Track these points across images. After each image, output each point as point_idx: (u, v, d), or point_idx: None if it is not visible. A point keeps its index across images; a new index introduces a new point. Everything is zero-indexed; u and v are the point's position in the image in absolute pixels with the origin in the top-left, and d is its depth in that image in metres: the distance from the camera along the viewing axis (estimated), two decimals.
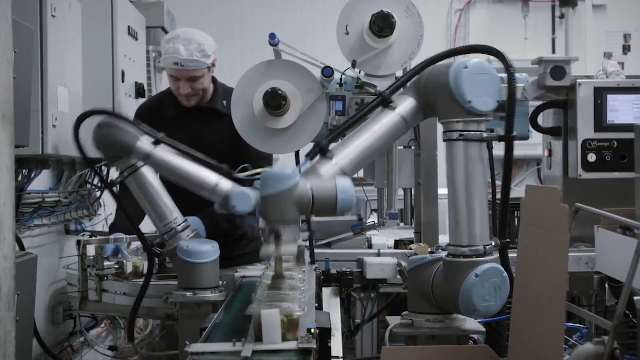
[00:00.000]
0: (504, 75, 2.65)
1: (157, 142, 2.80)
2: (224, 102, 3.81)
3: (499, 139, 2.59)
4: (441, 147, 2.84)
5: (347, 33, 3.20)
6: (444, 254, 2.62)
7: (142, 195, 2.95)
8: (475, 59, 2.58)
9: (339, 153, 2.58)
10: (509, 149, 2.61)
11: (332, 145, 2.67)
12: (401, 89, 2.76)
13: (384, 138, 2.64)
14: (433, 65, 2.67)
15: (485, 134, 2.56)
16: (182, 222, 3.00)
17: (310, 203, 2.35)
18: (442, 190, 3.01)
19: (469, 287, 2.44)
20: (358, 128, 2.67)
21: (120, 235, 3.45)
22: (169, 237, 2.97)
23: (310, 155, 2.56)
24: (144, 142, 2.80)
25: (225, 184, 2.75)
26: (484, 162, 2.57)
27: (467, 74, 2.53)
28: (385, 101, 2.65)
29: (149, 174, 2.95)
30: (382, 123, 2.63)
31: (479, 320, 2.69)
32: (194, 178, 2.79)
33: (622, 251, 2.52)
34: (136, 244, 3.86)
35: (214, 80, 3.88)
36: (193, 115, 3.80)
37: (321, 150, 2.56)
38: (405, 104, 2.66)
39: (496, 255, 2.56)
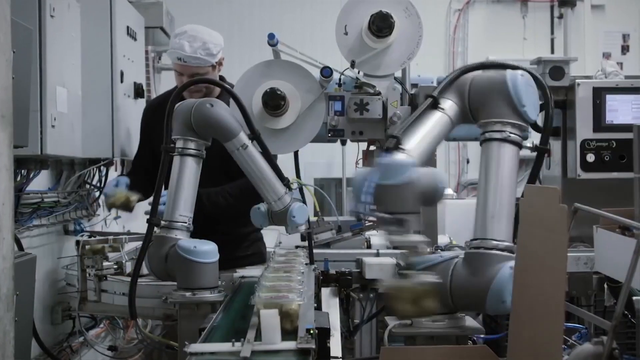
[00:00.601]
0: None
1: (252, 139, 2.98)
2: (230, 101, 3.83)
3: (534, 148, 2.79)
4: (440, 148, 2.86)
5: (346, 33, 3.21)
6: (451, 253, 2.63)
7: (174, 176, 3.04)
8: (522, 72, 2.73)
9: (408, 145, 2.61)
10: (540, 159, 2.83)
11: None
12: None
13: (439, 135, 2.74)
14: (478, 73, 2.77)
15: (523, 136, 2.69)
16: (184, 222, 3.02)
17: (426, 192, 2.43)
18: None
19: (504, 279, 2.45)
20: (414, 127, 2.71)
21: (120, 235, 3.46)
22: (166, 224, 3.00)
23: (388, 148, 2.57)
24: (244, 135, 2.97)
25: (287, 197, 3.00)
26: (517, 163, 2.70)
27: (524, 82, 2.67)
28: (435, 102, 2.73)
29: (193, 167, 3.04)
30: (435, 121, 2.72)
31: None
32: (267, 183, 2.99)
33: (621, 251, 2.52)
34: (135, 244, 3.86)
35: (222, 80, 3.89)
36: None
37: (397, 142, 2.59)
38: (448, 106, 2.75)
39: None
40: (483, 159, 2.67)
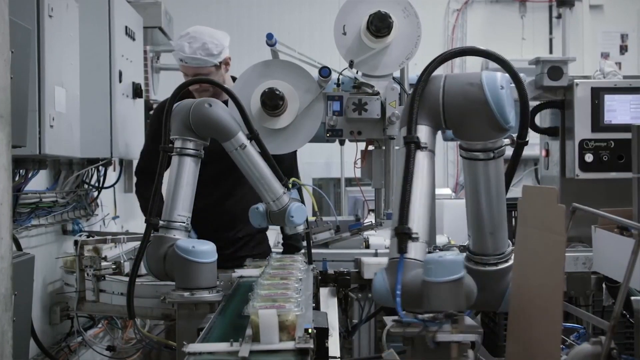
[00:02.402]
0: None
1: (251, 139, 2.99)
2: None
3: (513, 143, 2.53)
4: (438, 148, 2.81)
5: (344, 33, 3.20)
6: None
7: (172, 177, 3.03)
8: (499, 73, 2.40)
9: (413, 226, 2.36)
10: (518, 152, 2.50)
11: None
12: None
13: (432, 183, 2.47)
14: (446, 81, 2.43)
15: (504, 144, 2.49)
16: (183, 222, 3.02)
17: (472, 294, 2.25)
18: (439, 191, 3.02)
19: None
20: (410, 184, 2.43)
21: (118, 235, 3.46)
22: (164, 224, 2.99)
23: (404, 248, 2.30)
24: (242, 135, 2.98)
25: (286, 197, 3.01)
26: (502, 171, 2.55)
27: (506, 95, 2.36)
28: (419, 145, 2.41)
29: (191, 167, 3.04)
30: (424, 169, 2.44)
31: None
32: (266, 183, 3.01)
33: (619, 251, 2.52)
34: (133, 244, 3.86)
35: (235, 80, 3.89)
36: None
37: (409, 237, 2.41)
38: (426, 136, 2.45)
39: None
40: (469, 177, 2.51)
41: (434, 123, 2.45)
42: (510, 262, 2.49)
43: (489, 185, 2.48)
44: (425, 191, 2.42)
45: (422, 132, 2.44)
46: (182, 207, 3.00)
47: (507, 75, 2.41)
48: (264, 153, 3.02)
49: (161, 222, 2.96)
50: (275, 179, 3.02)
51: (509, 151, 2.52)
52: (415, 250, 2.31)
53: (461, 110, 2.40)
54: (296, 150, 3.57)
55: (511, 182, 2.59)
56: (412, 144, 2.40)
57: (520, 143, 2.51)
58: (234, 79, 3.86)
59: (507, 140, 2.53)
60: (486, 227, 2.50)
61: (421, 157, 2.43)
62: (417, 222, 2.37)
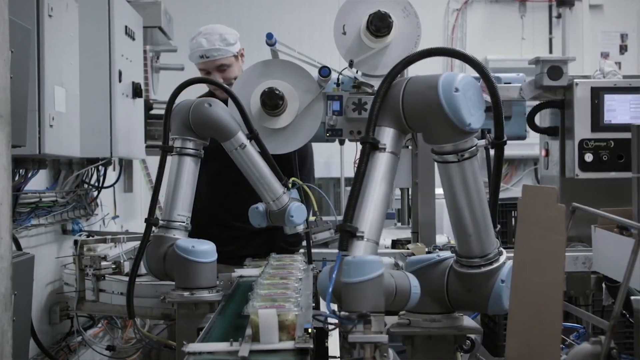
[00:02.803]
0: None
1: (251, 138, 3.00)
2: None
3: (491, 146, 2.49)
4: None
5: (344, 33, 3.20)
6: (447, 253, 2.62)
7: (172, 177, 3.04)
8: (459, 74, 2.39)
9: (362, 225, 2.46)
10: (499, 154, 2.51)
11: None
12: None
13: (389, 183, 2.47)
14: (407, 84, 2.44)
15: (476, 144, 2.47)
16: (182, 222, 3.01)
17: (394, 294, 2.24)
18: (439, 190, 3.00)
19: (498, 293, 2.44)
20: (363, 187, 2.51)
21: (118, 235, 3.46)
22: (164, 224, 2.99)
23: (344, 246, 2.34)
24: (242, 135, 3.00)
25: (286, 197, 3.04)
26: (478, 171, 2.53)
27: (461, 97, 2.33)
28: (374, 146, 2.43)
29: (190, 167, 3.04)
30: (380, 170, 2.44)
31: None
32: (266, 183, 3.03)
33: (619, 251, 2.52)
34: (133, 244, 3.86)
35: None
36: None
37: (351, 234, 2.42)
38: (388, 138, 2.46)
39: (505, 253, 2.55)
40: (445, 180, 2.49)
41: (399, 126, 2.45)
42: (496, 264, 2.48)
43: (466, 187, 2.46)
44: (380, 192, 2.42)
45: (386, 134, 2.45)
46: (181, 206, 3.00)
47: (469, 76, 2.39)
48: (263, 153, 3.02)
49: (161, 222, 2.97)
50: (275, 179, 3.03)
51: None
52: (360, 249, 2.34)
53: (420, 113, 2.40)
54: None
55: (500, 183, 2.57)
56: (366, 144, 2.42)
57: (497, 143, 2.49)
58: None
59: (481, 142, 2.50)
60: (467, 229, 2.49)
61: (379, 159, 2.44)
62: (366, 222, 2.38)
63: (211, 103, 2.98)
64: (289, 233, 3.21)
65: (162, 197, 3.06)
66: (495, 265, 2.48)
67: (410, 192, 4.05)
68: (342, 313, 2.11)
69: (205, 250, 2.85)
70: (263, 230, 3.35)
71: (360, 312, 2.07)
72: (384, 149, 2.44)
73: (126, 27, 4.41)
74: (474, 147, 2.45)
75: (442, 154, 2.45)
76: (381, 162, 2.45)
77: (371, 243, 2.37)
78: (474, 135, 2.43)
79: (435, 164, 2.51)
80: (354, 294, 2.13)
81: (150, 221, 2.94)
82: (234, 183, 3.68)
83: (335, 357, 2.22)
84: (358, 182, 2.41)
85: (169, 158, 3.04)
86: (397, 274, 2.30)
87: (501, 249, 2.54)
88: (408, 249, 3.65)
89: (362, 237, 2.36)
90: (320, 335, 2.09)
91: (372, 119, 2.44)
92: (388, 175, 2.46)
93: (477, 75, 2.44)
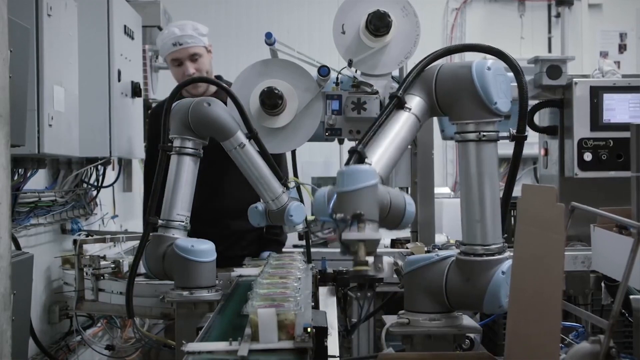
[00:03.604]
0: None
1: (250, 138, 3.00)
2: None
3: (512, 138, 2.58)
4: (437, 147, 2.83)
5: (343, 32, 3.20)
6: (446, 252, 2.62)
7: (171, 176, 3.03)
8: (491, 60, 2.57)
9: (372, 158, 2.53)
10: (519, 148, 2.61)
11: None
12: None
13: (406, 140, 2.59)
14: (442, 65, 2.62)
15: (498, 132, 2.56)
16: (181, 222, 3.01)
17: (388, 208, 2.32)
18: (438, 190, 3.02)
19: (497, 285, 2.44)
20: (380, 131, 2.61)
21: (117, 234, 3.46)
22: (164, 223, 2.99)
23: (350, 164, 2.49)
24: (241, 134, 3.00)
25: (284, 196, 3.03)
26: (496, 160, 2.59)
27: (491, 76, 2.50)
28: (400, 102, 2.60)
29: (190, 166, 3.04)
30: (401, 124, 2.58)
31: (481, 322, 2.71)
32: (265, 182, 3.02)
33: (618, 250, 2.52)
34: (132, 243, 3.85)
35: (219, 78, 3.92)
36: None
37: (360, 157, 2.49)
38: (414, 103, 2.61)
39: (509, 251, 2.56)
40: (462, 161, 2.58)
41: (428, 100, 2.60)
42: (498, 256, 2.49)
43: (480, 169, 2.52)
44: (396, 139, 2.54)
45: (414, 101, 2.60)
46: (181, 206, 3.00)
47: (502, 64, 2.55)
48: (262, 152, 3.02)
49: (160, 222, 2.96)
50: (274, 178, 3.03)
51: (510, 149, 2.57)
52: None
53: (451, 87, 2.55)
54: None
55: (515, 179, 2.61)
56: (395, 97, 2.57)
57: (518, 137, 2.55)
58: (219, 77, 3.89)
59: (504, 133, 2.56)
60: (475, 214, 2.52)
61: (402, 116, 2.58)
62: (376, 154, 2.49)
63: (210, 102, 2.98)
64: (288, 232, 3.21)
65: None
66: (497, 256, 2.49)
67: (409, 192, 4.04)
68: (337, 215, 2.15)
69: (205, 249, 2.85)
70: (250, 230, 3.36)
71: (355, 212, 2.10)
72: (409, 109, 2.58)
73: (125, 26, 4.41)
74: (495, 133, 2.54)
75: (463, 132, 2.55)
76: (404, 118, 2.57)
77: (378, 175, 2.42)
78: (498, 119, 2.53)
79: (456, 146, 2.62)
80: (348, 201, 2.18)
81: (150, 221, 2.94)
82: (219, 182, 3.69)
83: (334, 356, 2.22)
84: (376, 124, 2.54)
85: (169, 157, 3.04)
86: (393, 190, 2.34)
87: (506, 244, 2.55)
88: (407, 248, 3.66)
89: (369, 165, 2.41)
90: (320, 335, 2.08)
91: (406, 81, 2.59)
92: (406, 132, 2.57)
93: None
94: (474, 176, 2.53)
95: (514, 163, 2.60)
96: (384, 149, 2.53)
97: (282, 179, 3.06)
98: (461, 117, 2.56)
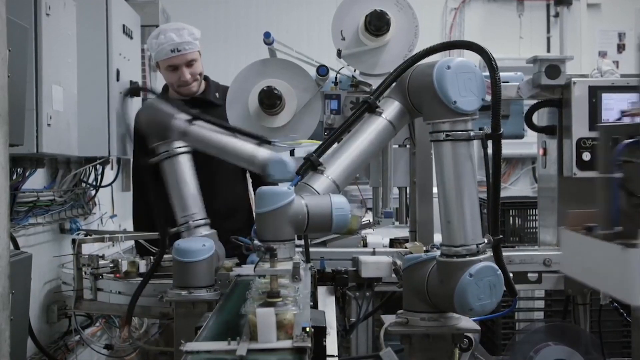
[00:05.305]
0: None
1: (192, 120, 2.90)
2: (217, 94, 3.87)
3: (487, 137, 2.54)
4: None
5: (343, 39, 3.20)
6: (438, 252, 2.62)
7: (171, 181, 3.01)
8: (458, 58, 2.54)
9: (330, 166, 2.55)
10: (497, 146, 2.56)
11: (322, 157, 2.64)
12: (385, 93, 2.72)
13: (373, 145, 2.62)
14: (416, 66, 2.63)
15: (472, 133, 2.52)
16: (201, 219, 3.02)
17: (306, 220, 2.37)
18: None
19: (463, 287, 2.43)
20: (347, 137, 2.64)
21: (116, 234, 3.46)
22: (184, 229, 3.00)
23: (301, 172, 2.53)
24: (180, 121, 2.90)
25: (263, 152, 2.83)
26: (473, 161, 2.55)
27: (451, 75, 2.47)
28: (371, 107, 2.60)
29: (185, 165, 3.02)
30: (370, 130, 2.61)
31: (474, 319, 2.69)
32: (231, 150, 2.87)
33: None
34: (131, 243, 3.85)
35: (206, 79, 3.94)
36: (188, 107, 3.83)
37: (312, 165, 2.53)
38: (391, 108, 2.63)
39: (490, 253, 2.56)
40: (436, 162, 2.58)
41: (405, 102, 2.63)
42: (470, 258, 2.47)
43: (456, 170, 2.52)
44: (359, 147, 2.60)
45: (390, 104, 2.64)
46: (194, 203, 3.01)
47: (469, 62, 2.52)
48: (219, 125, 2.94)
49: (182, 227, 2.98)
50: (243, 141, 2.90)
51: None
52: (316, 182, 2.53)
53: (418, 87, 2.57)
54: None
55: (499, 181, 2.58)
56: (365, 103, 2.61)
57: (493, 135, 2.51)
58: (206, 78, 3.91)
59: (478, 132, 2.54)
60: (450, 215, 2.53)
61: (374, 121, 2.62)
62: (333, 162, 2.56)
63: (140, 111, 2.98)
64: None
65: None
66: (469, 258, 2.47)
67: (408, 191, 4.04)
68: (256, 243, 2.24)
69: (199, 249, 2.85)
70: (242, 230, 3.35)
71: (268, 245, 2.20)
72: (381, 113, 2.61)
73: (124, 25, 4.40)
74: (466, 132, 2.50)
75: (432, 132, 2.55)
76: (373, 124, 2.59)
77: (330, 181, 2.47)
78: (467, 118, 2.50)
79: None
80: (262, 224, 2.31)
81: (165, 231, 2.95)
82: (209, 183, 3.68)
83: (333, 356, 2.22)
84: (340, 129, 2.60)
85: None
86: (318, 199, 2.38)
87: (486, 246, 2.53)
88: (406, 247, 3.65)
89: (321, 172, 2.51)
90: (318, 334, 2.09)
91: (381, 86, 2.62)
92: (375, 138, 2.59)
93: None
94: (449, 176, 2.52)
95: (495, 162, 2.55)
96: (345, 156, 2.57)
97: (260, 138, 2.93)
98: (429, 117, 2.57)
